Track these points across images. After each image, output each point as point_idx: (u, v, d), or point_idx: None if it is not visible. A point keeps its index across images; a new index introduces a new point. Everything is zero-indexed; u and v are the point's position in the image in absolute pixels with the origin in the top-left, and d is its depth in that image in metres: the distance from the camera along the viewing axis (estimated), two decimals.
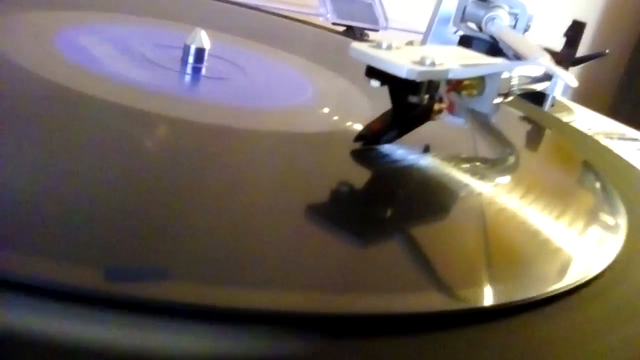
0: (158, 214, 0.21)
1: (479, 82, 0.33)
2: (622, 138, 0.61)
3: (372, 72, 0.27)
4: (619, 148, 0.58)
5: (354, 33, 0.74)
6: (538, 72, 0.37)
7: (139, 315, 0.15)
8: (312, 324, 0.17)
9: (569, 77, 0.28)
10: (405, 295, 0.20)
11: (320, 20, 0.72)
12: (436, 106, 0.30)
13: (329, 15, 0.72)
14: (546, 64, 0.31)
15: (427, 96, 0.29)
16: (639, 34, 1.30)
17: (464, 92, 0.33)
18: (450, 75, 0.28)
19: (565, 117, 0.63)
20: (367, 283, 0.20)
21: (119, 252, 0.18)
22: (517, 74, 0.36)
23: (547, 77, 0.41)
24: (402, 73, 0.26)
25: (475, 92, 0.33)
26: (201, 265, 0.18)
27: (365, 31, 0.76)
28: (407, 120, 0.29)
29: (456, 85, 0.32)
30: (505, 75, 0.35)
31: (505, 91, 0.36)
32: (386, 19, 0.77)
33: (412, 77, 0.26)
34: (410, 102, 0.28)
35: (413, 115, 0.29)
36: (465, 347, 0.18)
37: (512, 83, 0.36)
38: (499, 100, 0.35)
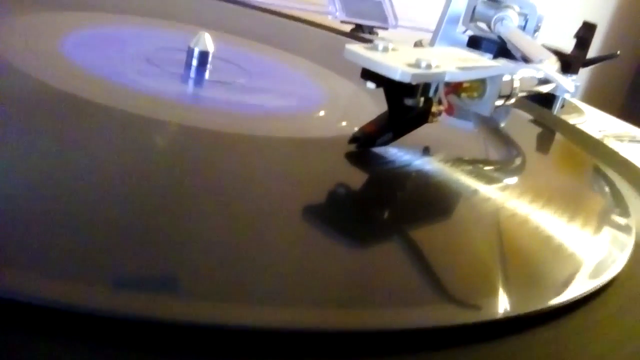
0: (158, 220, 0.21)
1: (480, 85, 0.32)
2: (633, 140, 0.60)
3: (368, 74, 0.27)
4: (629, 150, 0.57)
5: (362, 31, 0.74)
6: (542, 74, 0.37)
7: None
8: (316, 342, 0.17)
9: (567, 83, 0.28)
10: (407, 310, 0.19)
11: (329, 19, 0.72)
12: (434, 108, 0.30)
13: (337, 13, 0.72)
14: (545, 69, 0.30)
15: (422, 99, 0.28)
16: None
17: (463, 95, 0.32)
18: (447, 79, 0.28)
19: (575, 119, 0.62)
20: (375, 296, 0.20)
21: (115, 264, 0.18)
22: (519, 76, 0.35)
23: None
24: (396, 76, 0.26)
25: (475, 94, 0.33)
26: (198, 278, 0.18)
27: (375, 29, 0.76)
28: (402, 122, 0.29)
29: (456, 87, 0.31)
30: (507, 77, 0.34)
31: (507, 93, 0.35)
32: (395, 17, 0.76)
33: (405, 79, 0.26)
34: (406, 104, 0.28)
35: (409, 117, 0.29)
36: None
37: (514, 85, 0.35)
38: (500, 102, 0.34)
